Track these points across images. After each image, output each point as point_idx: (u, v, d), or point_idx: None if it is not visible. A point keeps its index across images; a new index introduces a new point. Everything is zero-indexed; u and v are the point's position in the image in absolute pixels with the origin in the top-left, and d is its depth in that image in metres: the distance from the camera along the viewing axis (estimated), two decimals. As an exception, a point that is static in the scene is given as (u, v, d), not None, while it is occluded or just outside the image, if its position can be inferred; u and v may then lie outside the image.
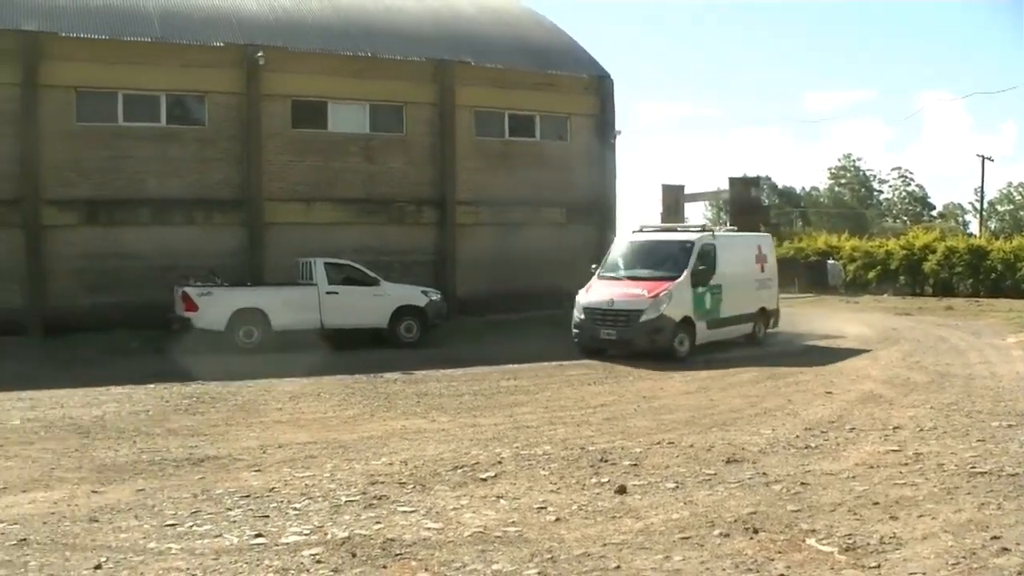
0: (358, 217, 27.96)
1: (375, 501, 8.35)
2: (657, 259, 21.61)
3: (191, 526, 7.60)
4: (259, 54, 26.31)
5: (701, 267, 21.14)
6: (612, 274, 21.81)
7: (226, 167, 26.61)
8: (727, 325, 22.24)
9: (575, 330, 21.20)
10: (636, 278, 21.17)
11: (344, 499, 8.42)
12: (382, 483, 9.01)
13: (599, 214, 31.71)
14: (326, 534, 7.34)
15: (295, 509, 8.11)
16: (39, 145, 24.55)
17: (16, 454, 10.49)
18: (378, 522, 7.67)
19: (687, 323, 20.64)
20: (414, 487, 8.89)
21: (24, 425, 12.30)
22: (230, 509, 8.11)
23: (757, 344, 23.26)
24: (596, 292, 21.15)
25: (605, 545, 7.02)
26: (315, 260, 22.96)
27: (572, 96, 31.94)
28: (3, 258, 23.87)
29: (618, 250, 22.81)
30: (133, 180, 25.52)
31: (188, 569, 6.52)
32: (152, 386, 15.60)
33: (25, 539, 7.28)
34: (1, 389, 15.08)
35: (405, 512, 7.99)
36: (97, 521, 7.77)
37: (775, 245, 28.04)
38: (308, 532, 7.41)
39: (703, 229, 22.93)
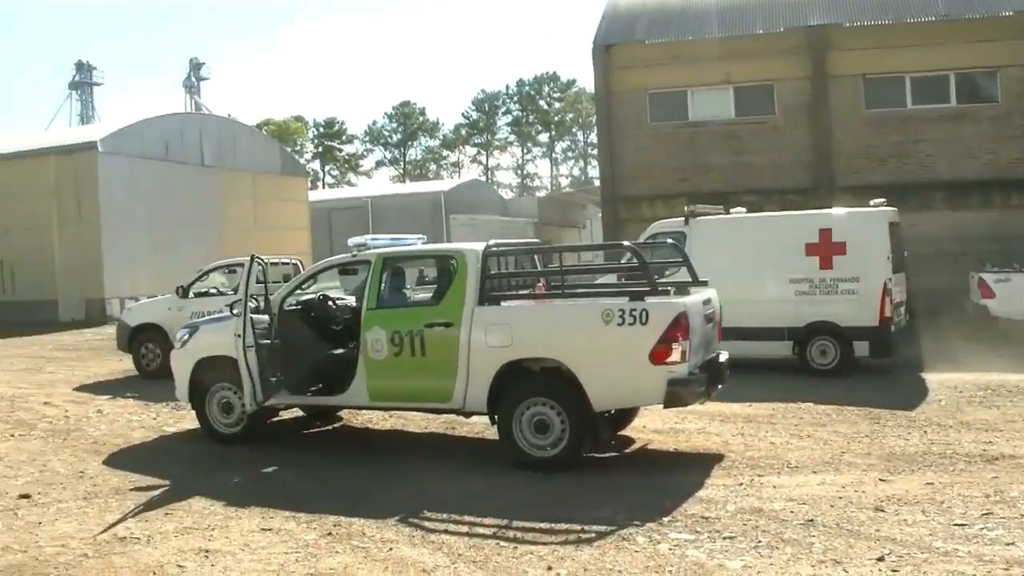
0: None
1: None
2: None
3: (981, 528, 6.99)
4: (1059, 20, 24.13)
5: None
6: None
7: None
8: None
9: None
10: None
11: None
12: None
13: None
14: None
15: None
16: (831, 134, 25.30)
17: (809, 435, 10.63)
18: None
19: None
20: None
21: (817, 407, 12.46)
22: (1025, 515, 7.33)
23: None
24: None
25: None
26: None
27: None
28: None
29: None
30: (924, 164, 24.98)
31: (974, 575, 5.96)
32: (946, 375, 14.90)
33: (812, 520, 7.29)
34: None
35: None
36: (882, 511, 7.51)
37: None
38: None
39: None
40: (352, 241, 10.61)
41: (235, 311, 10.19)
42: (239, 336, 9.89)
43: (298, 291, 11.08)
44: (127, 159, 33.71)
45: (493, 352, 9.22)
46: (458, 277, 9.61)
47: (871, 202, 16.11)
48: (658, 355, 8.65)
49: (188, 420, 12.10)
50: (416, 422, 11.81)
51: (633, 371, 8.84)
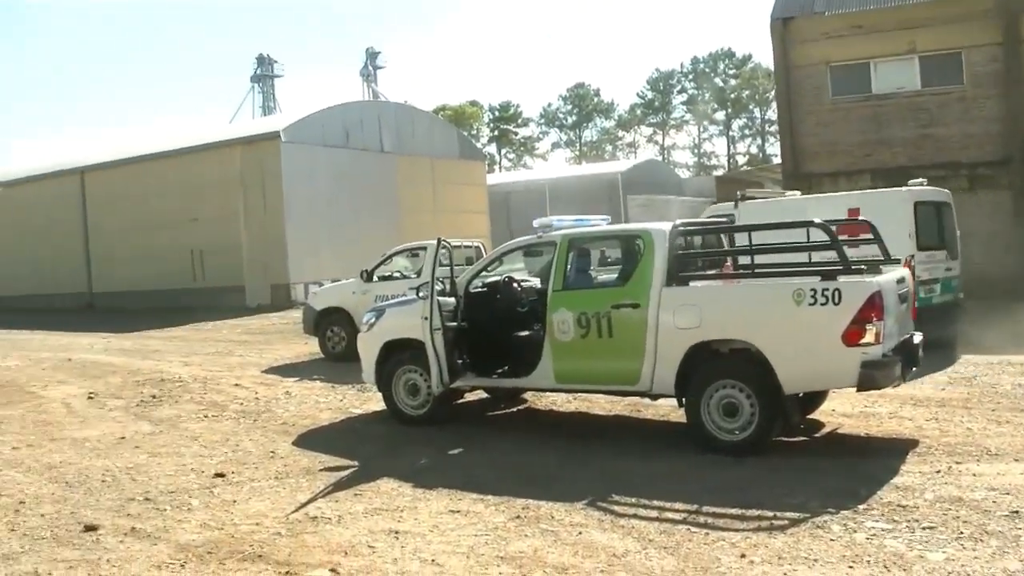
0: None
1: None
2: None
3: None
4: None
5: None
6: None
7: None
8: None
9: None
10: None
11: None
12: None
13: None
14: None
15: None
16: (1025, 104, 23.80)
17: (1008, 420, 10.00)
18: None
19: None
20: None
21: (1015, 391, 11.74)
22: None
23: None
24: None
25: None
26: None
27: None
28: (991, 221, 23.62)
29: None
30: None
31: None
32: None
33: (1017, 511, 6.85)
34: (985, 352, 14.61)
35: None
36: None
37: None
38: None
39: None
40: (537, 223, 10.54)
41: (421, 294, 10.26)
42: (426, 319, 9.97)
43: (483, 273, 11.10)
44: (309, 147, 34.60)
45: (681, 333, 9.02)
46: (645, 257, 9.41)
47: (909, 182, 16.12)
48: (851, 336, 8.30)
49: (374, 402, 12.29)
50: (600, 404, 11.65)
51: (825, 353, 8.50)
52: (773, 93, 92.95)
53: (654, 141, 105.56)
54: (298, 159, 33.99)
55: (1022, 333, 15.68)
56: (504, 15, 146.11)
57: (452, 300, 10.27)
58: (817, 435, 9.81)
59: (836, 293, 8.33)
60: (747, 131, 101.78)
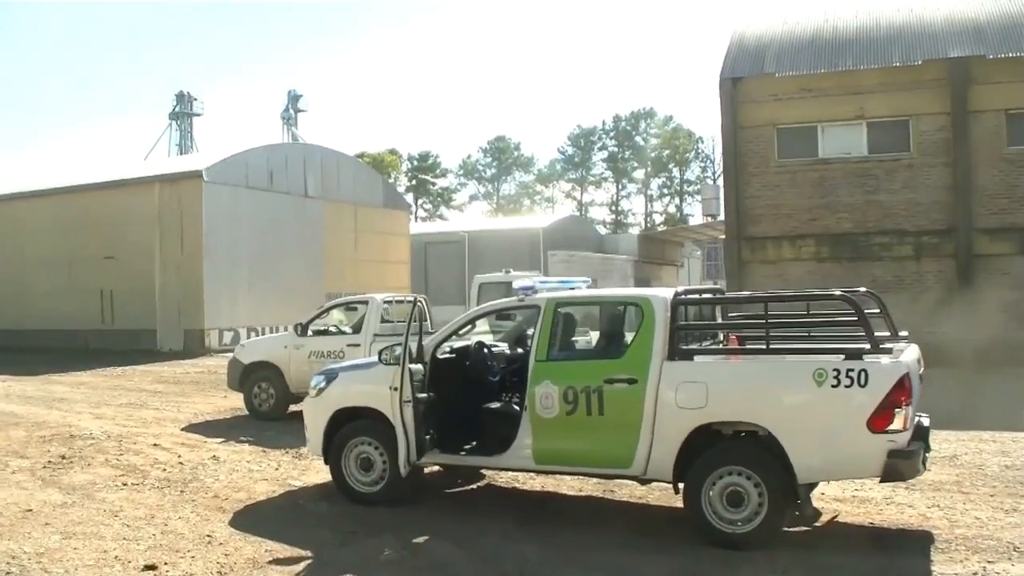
0: None
1: None
2: None
3: None
4: None
5: None
6: None
7: None
8: None
9: None
10: None
11: None
12: None
13: None
14: None
15: None
16: (971, 173, 23.83)
17: (1013, 508, 9.25)
18: None
19: None
20: None
21: (1004, 473, 10.96)
22: None
23: None
24: None
25: None
26: None
27: None
28: (935, 290, 23.59)
29: None
30: (1069, 204, 23.37)
31: None
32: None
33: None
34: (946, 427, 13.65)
35: None
36: None
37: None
38: None
39: None
40: (518, 284, 9.49)
41: (383, 357, 9.12)
42: (395, 389, 8.80)
43: (454, 337, 9.95)
44: (231, 188, 33.52)
45: (684, 414, 8.08)
46: (644, 328, 8.45)
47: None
48: (878, 422, 7.48)
49: (313, 471, 11.17)
50: (568, 483, 10.55)
51: (848, 439, 7.66)
52: (692, 154, 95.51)
53: (572, 197, 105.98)
54: (220, 200, 32.83)
55: (975, 404, 15.22)
56: (427, 63, 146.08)
57: (420, 367, 9.13)
58: (817, 524, 8.86)
59: (862, 374, 7.52)
60: (665, 190, 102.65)
